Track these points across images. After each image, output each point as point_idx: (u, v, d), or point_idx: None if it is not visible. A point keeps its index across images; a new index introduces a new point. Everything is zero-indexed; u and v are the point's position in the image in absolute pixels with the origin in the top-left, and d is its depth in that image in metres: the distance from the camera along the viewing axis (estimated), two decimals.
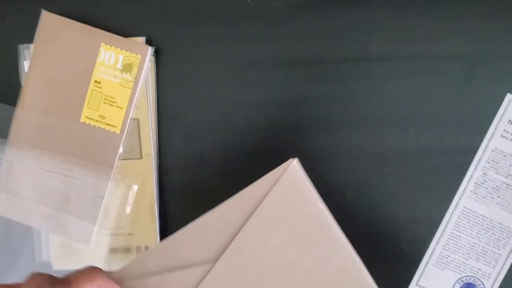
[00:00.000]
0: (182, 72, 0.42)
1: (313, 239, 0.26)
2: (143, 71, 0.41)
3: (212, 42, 0.42)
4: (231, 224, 0.26)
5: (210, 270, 0.26)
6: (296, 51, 0.42)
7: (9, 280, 0.43)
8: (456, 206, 0.42)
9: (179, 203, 0.43)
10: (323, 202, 0.26)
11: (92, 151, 0.42)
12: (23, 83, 0.42)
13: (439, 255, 0.43)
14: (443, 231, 0.43)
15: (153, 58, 0.42)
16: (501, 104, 0.41)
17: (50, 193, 0.42)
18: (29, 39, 0.42)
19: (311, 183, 0.26)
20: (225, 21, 0.42)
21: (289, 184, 0.26)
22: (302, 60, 0.42)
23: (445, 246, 0.43)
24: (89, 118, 0.41)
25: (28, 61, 0.42)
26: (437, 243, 0.43)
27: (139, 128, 0.42)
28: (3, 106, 0.42)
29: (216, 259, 0.26)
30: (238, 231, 0.26)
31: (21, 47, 0.42)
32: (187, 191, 0.43)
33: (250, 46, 0.42)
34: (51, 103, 0.42)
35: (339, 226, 0.26)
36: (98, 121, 0.41)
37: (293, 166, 0.26)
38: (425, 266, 0.43)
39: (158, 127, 0.43)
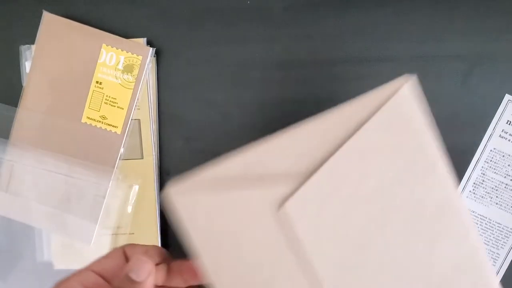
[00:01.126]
0: (182, 73, 0.43)
1: (416, 171, 0.23)
2: (144, 71, 0.41)
3: (212, 43, 0.42)
4: (328, 140, 0.23)
5: (298, 187, 0.24)
6: (296, 52, 0.42)
7: (9, 280, 0.43)
8: None
9: None
10: (433, 133, 0.23)
11: (93, 151, 0.42)
12: (24, 83, 0.42)
13: None
14: None
15: (154, 59, 0.42)
16: (499, 104, 0.42)
17: (52, 193, 0.42)
18: (31, 40, 0.42)
19: (424, 109, 0.24)
20: (226, 22, 0.42)
21: (399, 108, 0.23)
22: (302, 60, 0.42)
23: None
24: (90, 119, 0.42)
25: (30, 61, 0.42)
26: None
27: (140, 128, 0.42)
28: (5, 107, 0.42)
29: (307, 176, 0.24)
30: (336, 150, 0.23)
31: (23, 48, 0.42)
32: None
33: (250, 47, 0.42)
34: (53, 104, 0.42)
35: (445, 162, 0.24)
36: (99, 121, 0.42)
37: (407, 87, 0.23)
38: None
39: (159, 127, 0.43)
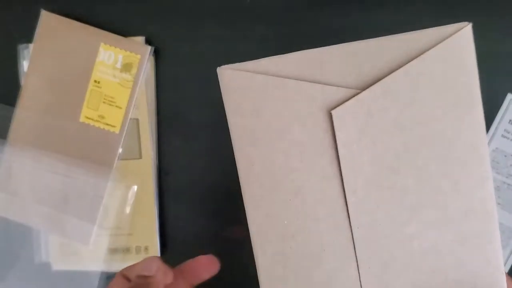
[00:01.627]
0: (181, 72, 0.42)
1: (458, 107, 0.25)
2: (143, 70, 0.41)
3: (211, 42, 0.42)
4: (387, 60, 0.25)
5: (349, 97, 0.25)
6: (295, 51, 0.42)
7: (7, 280, 0.43)
8: None
9: (178, 203, 0.43)
10: (478, 79, 0.25)
11: (92, 151, 0.42)
12: (22, 83, 0.42)
13: None
14: None
15: (152, 58, 0.42)
16: (501, 104, 0.41)
17: (50, 193, 0.42)
18: (29, 39, 0.42)
19: (475, 54, 0.25)
20: (225, 21, 0.42)
21: (459, 45, 0.25)
22: None
23: None
24: (89, 118, 0.41)
25: (28, 61, 0.42)
26: None
27: (138, 128, 0.42)
28: (3, 106, 0.42)
29: (361, 89, 0.25)
30: (392, 71, 0.25)
31: (21, 47, 0.42)
32: (187, 191, 0.43)
33: (250, 46, 0.42)
34: (51, 103, 0.42)
35: (484, 128, 0.25)
36: (98, 121, 0.41)
37: (467, 30, 0.25)
38: None
39: (157, 127, 0.43)
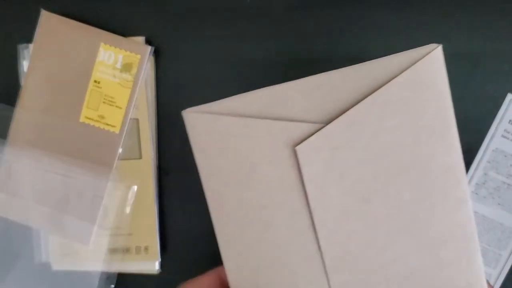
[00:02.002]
0: (181, 72, 0.42)
1: (431, 132, 0.24)
2: (143, 70, 0.41)
3: (211, 42, 0.42)
4: (352, 91, 0.24)
5: (314, 132, 0.25)
6: (296, 51, 0.42)
7: (7, 281, 0.43)
8: None
9: (178, 203, 0.43)
10: (451, 101, 0.25)
11: (92, 151, 0.41)
12: (22, 83, 0.42)
13: None
14: None
15: (152, 58, 0.42)
16: (501, 104, 0.41)
17: (50, 193, 0.42)
18: (29, 39, 0.42)
19: (446, 76, 0.25)
20: (225, 21, 0.42)
21: (428, 69, 0.24)
22: (302, 60, 0.42)
23: None
24: (89, 118, 0.41)
25: (28, 61, 0.42)
26: None
27: (138, 128, 0.42)
28: (2, 106, 0.42)
29: (326, 122, 0.25)
30: (358, 101, 0.24)
31: (21, 46, 0.42)
32: (187, 191, 0.43)
33: (250, 46, 0.42)
34: (51, 103, 0.42)
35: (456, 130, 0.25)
36: (98, 121, 0.41)
37: (436, 52, 0.24)
38: None
39: (157, 127, 0.43)
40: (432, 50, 0.24)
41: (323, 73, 0.25)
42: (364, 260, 0.25)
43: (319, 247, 0.26)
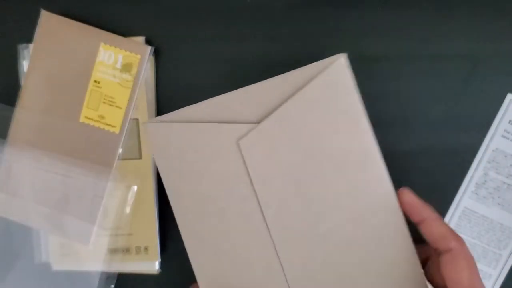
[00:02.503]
0: (181, 72, 0.42)
1: (343, 124, 0.29)
2: (143, 70, 0.41)
3: (211, 42, 0.42)
4: (279, 95, 0.30)
5: (252, 129, 0.30)
6: (296, 51, 0.42)
7: (7, 281, 0.43)
8: (456, 207, 0.42)
9: None
10: (363, 104, 0.29)
11: (92, 151, 0.42)
12: (22, 83, 0.42)
13: None
14: None
15: (152, 58, 0.42)
16: (501, 104, 0.41)
17: (49, 193, 0.42)
18: (29, 39, 0.42)
19: (355, 83, 0.29)
20: (225, 21, 0.42)
21: (335, 73, 0.29)
22: (302, 60, 0.42)
23: None
24: (89, 118, 0.41)
25: (27, 61, 0.42)
26: None
27: (138, 128, 0.42)
28: (2, 106, 0.42)
29: (261, 121, 0.30)
30: (280, 105, 0.29)
31: (20, 47, 0.42)
32: None
33: (250, 46, 0.42)
34: (51, 103, 0.42)
35: (373, 134, 0.29)
36: (98, 121, 0.41)
37: (340, 63, 0.29)
38: None
39: None
40: (339, 58, 0.29)
41: (256, 83, 0.30)
42: (304, 234, 0.30)
43: (266, 225, 0.31)
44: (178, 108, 0.42)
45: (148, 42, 0.42)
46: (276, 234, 0.31)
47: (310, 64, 0.30)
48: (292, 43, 0.42)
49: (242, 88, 0.31)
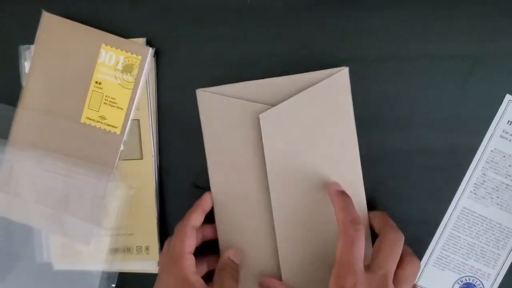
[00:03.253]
0: (182, 73, 0.43)
1: (336, 116, 0.39)
2: (144, 72, 0.41)
3: (212, 43, 0.42)
4: (291, 89, 0.39)
5: (269, 108, 0.40)
6: (296, 51, 0.42)
7: (8, 281, 0.43)
8: (455, 207, 0.42)
9: (179, 203, 0.43)
10: (350, 99, 0.39)
11: (93, 152, 0.42)
12: (23, 83, 0.42)
13: (438, 255, 0.43)
14: (443, 231, 0.43)
15: (153, 59, 0.42)
16: (500, 104, 0.42)
17: (51, 193, 0.42)
18: (30, 40, 0.42)
19: (348, 85, 0.39)
20: (225, 21, 0.42)
21: (336, 81, 0.39)
22: (302, 60, 0.42)
23: (444, 246, 0.43)
24: (90, 119, 0.42)
25: (29, 62, 0.42)
26: (436, 243, 0.43)
27: (139, 128, 0.42)
28: (4, 107, 0.42)
29: (275, 105, 0.40)
30: (293, 96, 0.39)
31: (22, 48, 0.42)
32: (187, 191, 0.43)
33: (250, 46, 0.42)
34: (52, 104, 0.42)
35: (355, 128, 0.39)
36: (99, 121, 0.42)
37: (343, 72, 0.39)
38: (424, 266, 0.43)
39: (158, 128, 0.43)
40: (343, 69, 0.39)
41: (277, 77, 0.40)
42: (295, 185, 0.40)
43: (266, 177, 0.40)
44: (178, 108, 0.43)
45: (149, 43, 0.42)
46: (272, 181, 0.40)
47: (320, 71, 0.39)
48: (292, 43, 0.42)
49: (267, 79, 0.40)
